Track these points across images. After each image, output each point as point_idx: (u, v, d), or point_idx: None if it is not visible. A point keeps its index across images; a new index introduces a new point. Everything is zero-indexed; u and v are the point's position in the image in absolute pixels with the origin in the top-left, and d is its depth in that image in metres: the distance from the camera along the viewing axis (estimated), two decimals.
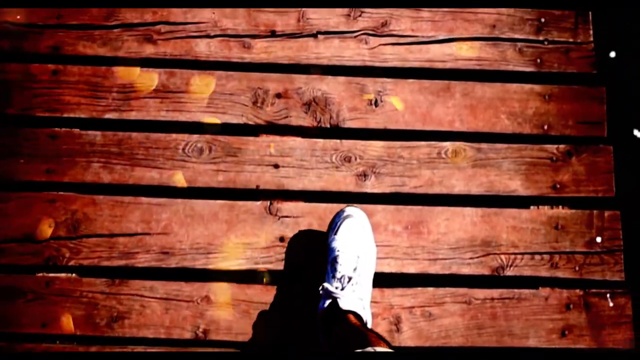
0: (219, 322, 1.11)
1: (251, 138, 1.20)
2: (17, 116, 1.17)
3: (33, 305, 1.11)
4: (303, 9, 1.24)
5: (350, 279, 1.01)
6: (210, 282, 1.14)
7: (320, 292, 1.00)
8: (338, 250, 1.05)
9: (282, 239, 1.15)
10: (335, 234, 1.08)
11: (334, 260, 1.04)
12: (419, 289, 1.15)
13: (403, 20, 1.24)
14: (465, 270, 1.15)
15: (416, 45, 1.23)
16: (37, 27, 1.22)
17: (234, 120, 1.20)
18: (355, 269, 1.03)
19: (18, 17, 1.21)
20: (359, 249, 1.06)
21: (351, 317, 0.98)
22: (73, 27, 1.22)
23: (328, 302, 1.00)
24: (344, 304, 0.97)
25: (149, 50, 1.21)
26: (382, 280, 1.14)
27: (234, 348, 1.10)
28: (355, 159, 1.19)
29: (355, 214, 1.09)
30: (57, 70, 1.19)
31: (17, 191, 1.15)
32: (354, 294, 1.00)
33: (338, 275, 1.02)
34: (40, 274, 1.13)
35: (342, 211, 1.10)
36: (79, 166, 1.17)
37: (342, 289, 0.99)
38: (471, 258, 1.15)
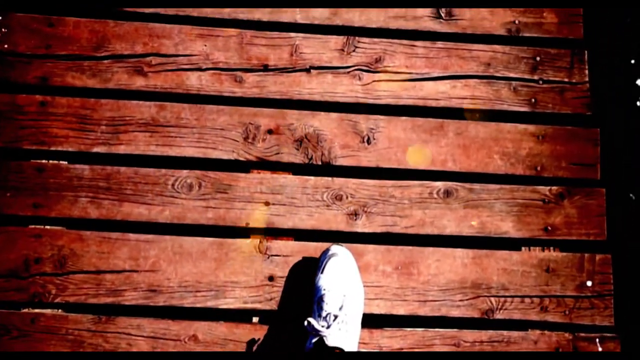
0: None
1: (242, 174, 1.27)
2: (3, 149, 1.24)
3: (18, 342, 1.17)
4: (296, 42, 1.31)
5: (336, 317, 1.08)
6: (198, 320, 1.20)
7: (306, 326, 1.07)
8: (324, 289, 1.12)
9: (271, 278, 1.22)
10: (322, 272, 1.15)
11: (320, 299, 1.11)
12: (409, 330, 1.22)
13: (397, 56, 1.31)
14: (455, 313, 1.22)
15: (410, 82, 1.31)
16: (25, 56, 1.27)
17: (225, 156, 1.26)
18: (341, 308, 1.10)
19: (6, 46, 1.26)
20: (345, 288, 1.13)
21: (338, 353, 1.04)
22: (62, 57, 1.28)
23: (315, 340, 1.06)
24: (331, 341, 1.04)
25: (139, 82, 1.28)
26: (371, 321, 1.21)
27: None
28: (347, 197, 1.25)
29: (340, 252, 1.16)
30: (45, 102, 1.25)
31: (2, 225, 1.21)
32: (340, 332, 1.07)
33: (324, 313, 1.09)
34: (26, 310, 1.19)
35: (327, 250, 1.17)
36: (66, 201, 1.23)
37: (328, 327, 1.07)
38: (461, 300, 1.22)
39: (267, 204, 1.25)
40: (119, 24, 1.31)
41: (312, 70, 1.31)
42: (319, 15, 1.33)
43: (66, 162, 1.27)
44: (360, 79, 1.32)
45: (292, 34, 1.33)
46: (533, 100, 1.32)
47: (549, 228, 1.28)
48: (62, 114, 1.27)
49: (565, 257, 1.27)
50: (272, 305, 1.21)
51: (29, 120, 1.26)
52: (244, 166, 1.29)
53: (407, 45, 1.34)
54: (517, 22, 1.35)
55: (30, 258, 1.21)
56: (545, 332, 1.25)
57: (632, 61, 1.38)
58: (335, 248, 1.18)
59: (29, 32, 1.29)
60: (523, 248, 1.28)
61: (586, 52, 1.36)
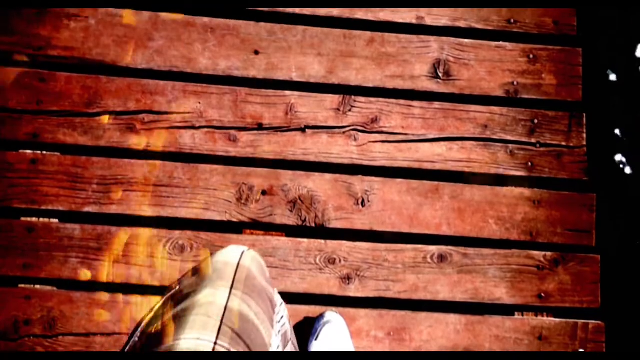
0: None
1: (234, 235, 1.39)
2: None
3: None
4: (292, 101, 1.43)
5: None
6: None
7: None
8: None
9: None
10: (316, 339, 1.27)
11: None
12: None
13: (394, 117, 1.44)
14: None
15: (406, 144, 1.43)
16: (16, 112, 1.39)
17: (217, 217, 1.38)
18: None
19: None
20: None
21: None
22: (53, 113, 1.40)
23: None
24: None
25: (131, 140, 1.40)
26: None
27: None
28: (340, 261, 1.38)
29: (334, 320, 1.29)
30: (35, 159, 1.37)
31: None
32: None
33: None
34: None
35: (321, 316, 1.31)
36: (56, 261, 1.35)
37: None
38: None
39: None
40: (112, 80, 1.42)
41: (307, 130, 1.44)
42: (315, 73, 1.46)
43: (57, 220, 1.38)
44: (355, 139, 1.44)
45: (288, 92, 1.45)
46: (530, 164, 1.45)
47: (543, 295, 1.41)
48: (53, 172, 1.39)
49: (559, 324, 1.40)
50: None
51: (20, 179, 1.38)
52: (236, 227, 1.41)
53: (404, 106, 1.46)
54: (515, 83, 1.48)
55: (19, 319, 1.33)
56: None
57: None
58: (330, 315, 1.31)
59: (20, 87, 1.40)
60: (516, 313, 1.40)
61: (584, 115, 1.48)
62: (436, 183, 1.47)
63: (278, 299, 1.04)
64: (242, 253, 0.91)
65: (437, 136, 1.48)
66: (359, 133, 1.47)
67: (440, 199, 1.46)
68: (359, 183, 1.46)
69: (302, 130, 1.46)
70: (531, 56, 1.52)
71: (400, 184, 1.46)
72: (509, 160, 1.48)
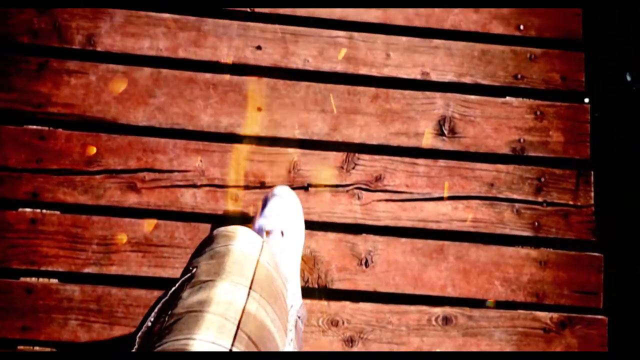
0: None
1: None
2: None
3: None
4: (295, 159, 1.50)
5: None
6: None
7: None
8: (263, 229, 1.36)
9: None
10: (261, 214, 1.41)
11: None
12: None
13: (398, 175, 1.51)
14: None
15: (410, 203, 1.50)
16: (16, 170, 1.46)
17: None
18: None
19: None
20: (284, 224, 1.38)
21: None
22: (53, 171, 1.47)
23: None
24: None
25: (132, 199, 1.47)
26: None
27: None
28: (343, 323, 1.45)
29: (281, 193, 1.43)
30: (35, 219, 1.44)
31: None
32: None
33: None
34: None
35: (271, 192, 1.44)
36: (56, 323, 1.42)
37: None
38: None
39: None
40: (112, 137, 1.50)
41: (310, 188, 1.51)
42: (318, 130, 1.53)
43: (57, 281, 1.45)
44: (359, 198, 1.51)
45: (291, 150, 1.52)
46: (536, 224, 1.52)
47: None
48: (53, 232, 1.46)
49: None
50: None
51: (19, 239, 1.45)
52: None
53: (409, 163, 1.54)
54: (522, 140, 1.55)
55: None
56: None
57: None
58: (278, 190, 1.43)
59: (20, 145, 1.47)
60: None
61: (592, 173, 1.54)
62: (441, 243, 1.54)
63: (289, 301, 1.10)
64: (262, 246, 0.98)
65: (442, 195, 1.55)
66: (363, 191, 1.54)
67: (445, 260, 1.53)
68: (363, 243, 1.52)
69: (305, 188, 1.53)
70: (538, 113, 1.59)
71: (404, 243, 1.53)
72: (515, 219, 1.55)
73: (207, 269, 0.91)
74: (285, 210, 1.42)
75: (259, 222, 1.39)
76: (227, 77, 1.56)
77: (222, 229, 1.00)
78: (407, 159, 1.58)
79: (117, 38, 1.56)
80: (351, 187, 1.56)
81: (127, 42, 1.57)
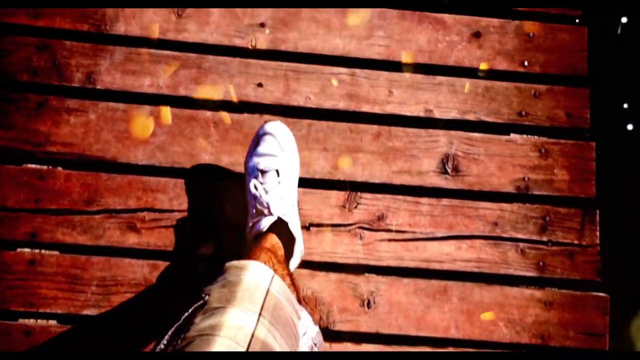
0: None
1: None
2: None
3: None
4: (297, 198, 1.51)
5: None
6: None
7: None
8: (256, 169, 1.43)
9: None
10: (254, 151, 1.46)
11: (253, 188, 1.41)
12: None
13: (401, 214, 1.53)
14: None
15: (413, 242, 1.52)
16: (14, 211, 1.48)
17: None
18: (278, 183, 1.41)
19: None
20: (278, 162, 1.43)
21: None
22: (52, 212, 1.50)
23: (263, 221, 1.36)
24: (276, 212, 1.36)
25: (131, 239, 1.50)
26: None
27: None
28: None
29: (274, 130, 1.45)
30: (33, 260, 1.47)
31: None
32: (282, 201, 1.39)
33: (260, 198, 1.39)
34: None
35: (261, 127, 1.46)
36: None
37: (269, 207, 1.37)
38: None
39: None
40: (112, 177, 1.53)
41: (311, 228, 1.53)
42: (320, 169, 1.56)
43: (55, 322, 1.47)
44: (361, 237, 1.54)
45: None
46: (541, 263, 1.54)
47: None
48: (52, 274, 1.49)
49: None
50: None
51: (17, 280, 1.49)
52: None
53: (411, 202, 1.56)
54: (526, 178, 1.57)
55: None
56: None
57: None
58: (269, 126, 1.45)
59: (18, 184, 1.50)
60: None
61: (597, 212, 1.56)
62: (444, 283, 1.56)
63: (301, 329, 1.16)
64: (273, 277, 1.06)
65: (445, 234, 1.58)
66: (365, 231, 1.57)
67: (449, 301, 1.55)
68: (365, 284, 1.55)
69: (307, 228, 1.56)
70: (543, 150, 1.61)
71: (407, 284, 1.55)
72: (519, 260, 1.58)
73: (219, 296, 0.98)
74: (278, 147, 1.45)
75: (253, 161, 1.44)
76: (229, 114, 1.59)
77: (234, 261, 1.08)
78: (410, 198, 1.60)
79: (117, 75, 1.59)
80: (353, 227, 1.58)
81: (127, 79, 1.60)
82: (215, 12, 1.63)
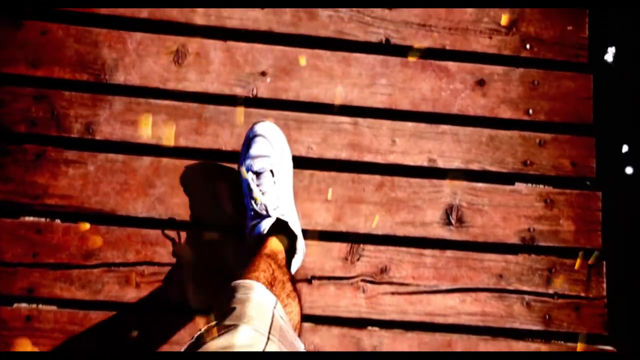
0: None
1: None
2: None
3: None
4: None
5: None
6: None
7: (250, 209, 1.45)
8: (251, 169, 1.47)
9: None
10: (246, 153, 1.50)
11: (248, 186, 1.46)
12: None
13: (404, 266, 1.55)
14: None
15: (417, 296, 1.54)
16: (11, 265, 1.49)
17: None
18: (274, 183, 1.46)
19: None
20: (272, 161, 1.48)
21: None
22: (50, 266, 1.51)
23: (264, 222, 1.40)
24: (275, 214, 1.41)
25: (130, 294, 1.52)
26: None
27: None
28: None
29: (265, 130, 1.50)
30: (31, 316, 1.49)
31: None
32: (279, 200, 1.44)
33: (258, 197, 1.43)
34: None
35: (251, 129, 1.52)
36: None
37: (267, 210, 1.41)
38: None
39: None
40: (111, 230, 1.55)
41: (313, 281, 1.55)
42: (322, 220, 1.58)
43: None
44: (364, 291, 1.55)
45: None
46: (547, 317, 1.56)
47: None
48: (49, 330, 1.51)
49: None
50: None
51: (14, 337, 1.48)
52: None
53: (415, 254, 1.58)
54: (531, 229, 1.59)
55: None
56: None
57: None
58: (259, 127, 1.51)
59: (16, 238, 1.51)
60: None
61: (604, 263, 1.57)
62: (449, 337, 1.58)
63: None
64: (276, 302, 1.11)
65: (449, 287, 1.59)
66: (368, 284, 1.58)
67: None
68: (368, 338, 1.56)
69: (309, 281, 1.57)
70: (548, 200, 1.63)
71: (411, 338, 1.57)
72: (525, 313, 1.59)
73: (229, 315, 1.03)
74: (270, 147, 1.49)
75: (246, 163, 1.48)
76: (229, 165, 1.60)
77: (240, 281, 1.13)
78: (413, 250, 1.62)
79: (116, 126, 1.61)
80: (356, 280, 1.59)
81: (126, 130, 1.61)
82: (216, 61, 1.64)
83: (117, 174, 1.60)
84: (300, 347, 1.15)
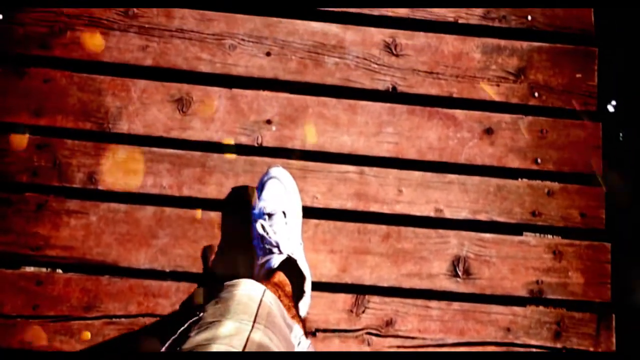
0: None
1: None
2: None
3: None
4: None
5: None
6: None
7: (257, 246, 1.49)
8: (264, 210, 1.50)
9: None
10: (259, 197, 1.54)
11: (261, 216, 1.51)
12: None
13: (410, 319, 1.55)
14: None
15: (423, 349, 1.53)
16: (10, 317, 1.51)
17: None
18: (285, 223, 1.49)
19: None
20: (284, 205, 1.52)
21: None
22: (50, 318, 1.52)
23: (274, 258, 1.42)
24: (285, 250, 1.43)
25: (131, 346, 1.49)
26: None
27: None
28: None
29: (279, 174, 1.55)
30: None
31: None
32: (290, 241, 1.46)
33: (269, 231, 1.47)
34: None
35: (267, 173, 1.57)
36: None
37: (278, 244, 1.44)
38: None
39: None
40: (113, 281, 1.55)
41: (318, 333, 1.56)
42: (327, 272, 1.58)
43: None
44: (369, 344, 1.55)
45: None
46: None
47: None
48: None
49: None
50: None
51: None
52: None
53: (421, 307, 1.58)
54: (540, 282, 1.59)
55: None
56: None
57: None
58: (275, 171, 1.56)
59: (16, 290, 1.52)
60: None
61: (613, 316, 1.58)
62: None
63: (294, 339, 1.23)
64: (264, 290, 1.14)
65: (456, 341, 1.60)
66: (373, 337, 1.58)
67: None
68: None
69: (313, 334, 1.58)
70: (556, 252, 1.63)
71: None
72: None
73: (213, 312, 1.05)
74: (283, 191, 1.54)
75: (260, 205, 1.51)
76: (233, 216, 1.61)
77: (227, 282, 1.16)
78: (419, 302, 1.62)
79: (119, 175, 1.62)
80: (361, 332, 1.60)
81: (129, 179, 1.62)
82: (221, 109, 1.65)
83: (120, 224, 1.60)
84: (290, 332, 1.17)
